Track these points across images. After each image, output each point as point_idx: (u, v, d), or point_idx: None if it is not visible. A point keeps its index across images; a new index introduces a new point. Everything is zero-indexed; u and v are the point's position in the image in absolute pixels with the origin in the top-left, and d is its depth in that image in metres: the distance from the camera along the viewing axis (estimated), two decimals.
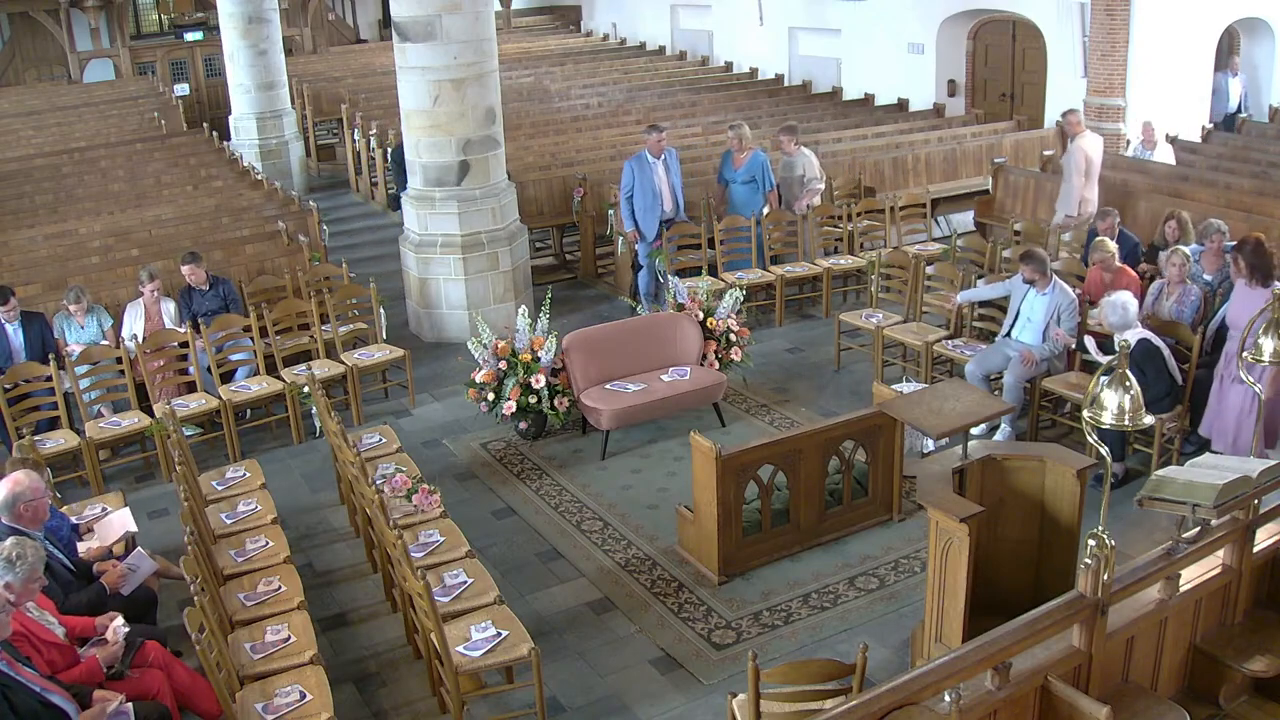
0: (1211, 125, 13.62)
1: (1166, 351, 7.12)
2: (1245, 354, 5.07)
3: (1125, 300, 7.17)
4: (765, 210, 10.77)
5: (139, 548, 5.83)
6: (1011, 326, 7.98)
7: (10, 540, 4.71)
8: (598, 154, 13.18)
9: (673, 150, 10.58)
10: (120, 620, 4.97)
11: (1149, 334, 7.13)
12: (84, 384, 8.10)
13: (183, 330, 8.44)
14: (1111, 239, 8.41)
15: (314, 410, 8.05)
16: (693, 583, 6.43)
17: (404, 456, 7.01)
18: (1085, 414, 4.17)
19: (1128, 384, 4.04)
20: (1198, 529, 4.60)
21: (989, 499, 5.31)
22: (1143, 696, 4.50)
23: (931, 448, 7.37)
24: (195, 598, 4.79)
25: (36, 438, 7.32)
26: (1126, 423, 4.06)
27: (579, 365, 8.06)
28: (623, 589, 6.43)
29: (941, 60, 16.03)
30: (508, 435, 8.36)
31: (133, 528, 6.17)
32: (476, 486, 7.73)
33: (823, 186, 11.21)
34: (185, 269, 8.72)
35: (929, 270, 9.12)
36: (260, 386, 8.41)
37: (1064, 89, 14.34)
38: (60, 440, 7.73)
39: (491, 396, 8.04)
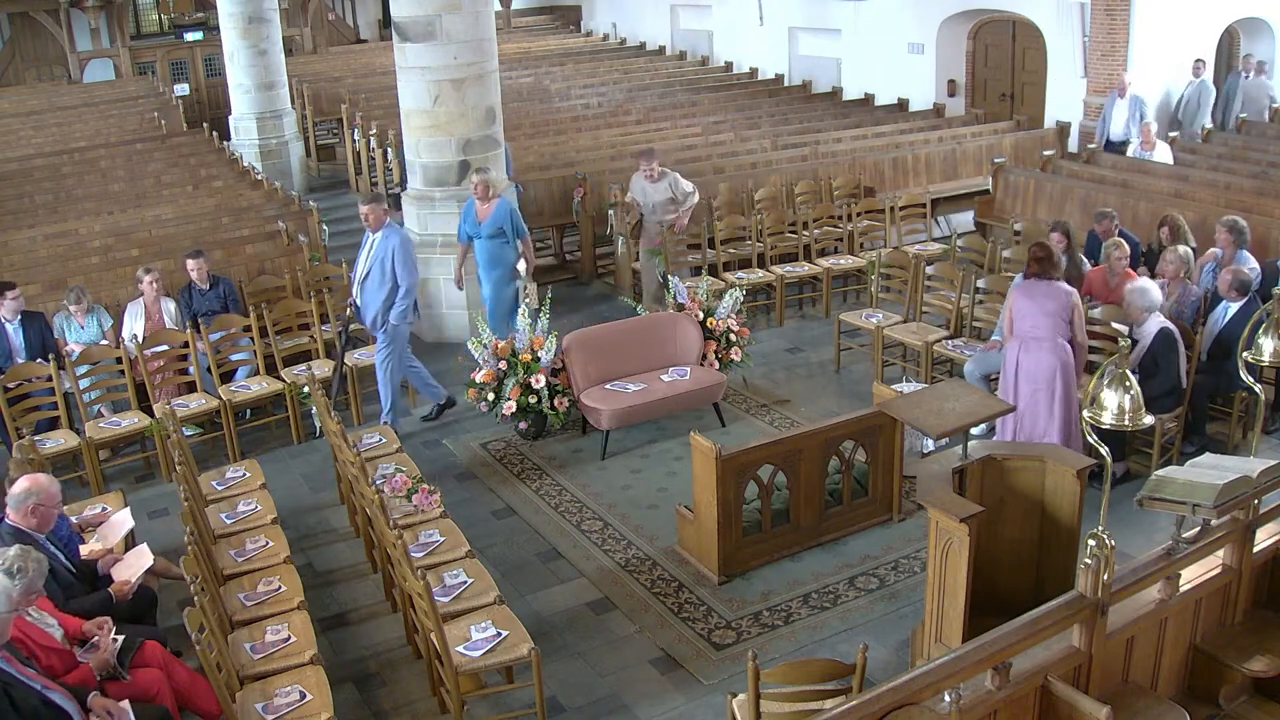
0: (1211, 125, 13.61)
1: (1182, 347, 7.12)
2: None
3: (1146, 284, 7.19)
4: (521, 265, 9.16)
5: (143, 544, 5.84)
6: None
7: (15, 549, 4.68)
8: (597, 154, 13.17)
9: (398, 234, 8.13)
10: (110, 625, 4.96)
11: (1170, 324, 7.13)
12: (84, 384, 8.09)
13: (183, 330, 8.45)
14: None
15: (314, 410, 8.05)
16: (693, 583, 6.42)
17: (404, 456, 7.01)
18: (1085, 414, 4.16)
19: (1128, 384, 4.04)
20: (1198, 529, 4.60)
21: (989, 499, 5.31)
22: (1143, 696, 4.50)
23: (931, 448, 7.36)
24: (195, 598, 4.79)
25: (36, 438, 7.31)
26: (1126, 423, 4.05)
27: (579, 365, 8.06)
28: (623, 589, 6.43)
29: (941, 60, 16.03)
30: (508, 435, 8.36)
31: (131, 524, 6.17)
32: (476, 486, 7.73)
33: (697, 200, 10.57)
34: (190, 263, 8.71)
35: (929, 270, 9.13)
36: (260, 386, 8.41)
37: (1064, 89, 14.34)
38: (60, 440, 7.73)
39: (491, 396, 8.04)
